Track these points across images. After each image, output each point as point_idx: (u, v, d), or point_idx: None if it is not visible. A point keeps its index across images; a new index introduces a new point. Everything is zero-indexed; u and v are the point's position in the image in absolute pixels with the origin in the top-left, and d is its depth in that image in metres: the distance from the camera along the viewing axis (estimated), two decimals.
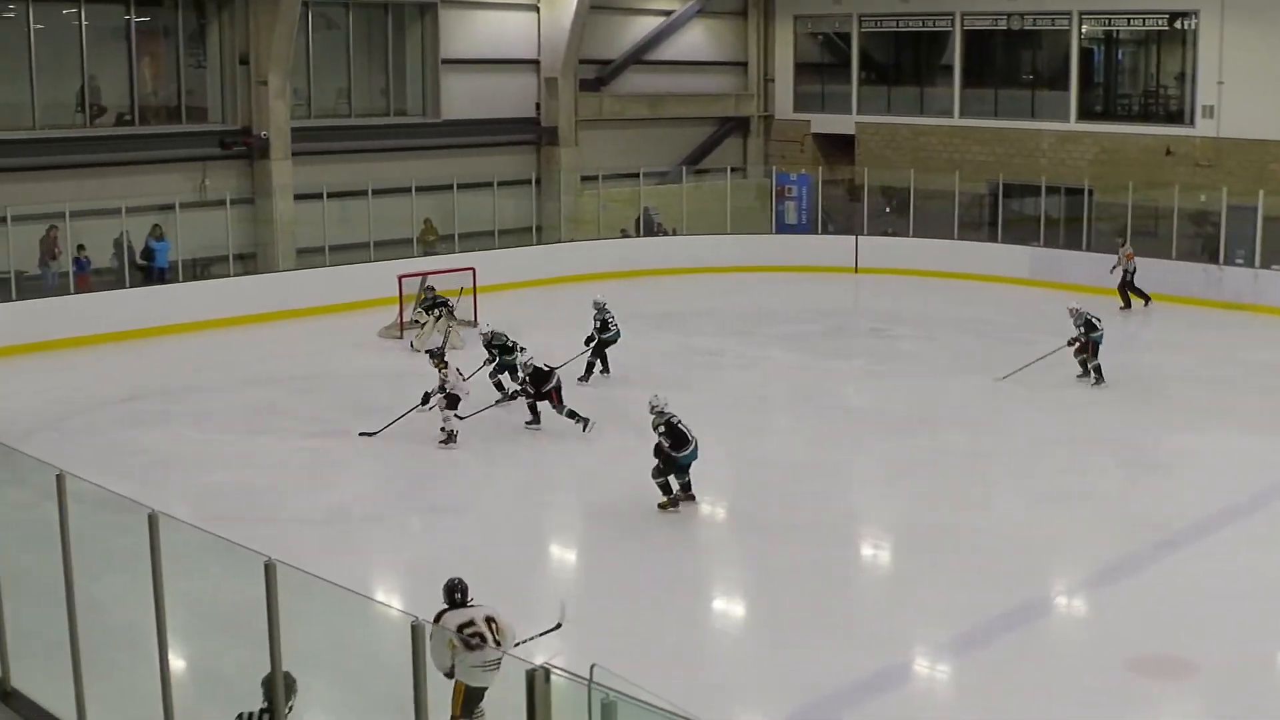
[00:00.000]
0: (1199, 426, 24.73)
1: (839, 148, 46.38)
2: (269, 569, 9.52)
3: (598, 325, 27.87)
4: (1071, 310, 27.54)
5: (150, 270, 33.75)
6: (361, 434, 23.40)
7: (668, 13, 46.09)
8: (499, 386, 25.76)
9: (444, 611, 12.54)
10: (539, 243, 40.88)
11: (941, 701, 14.52)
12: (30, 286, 31.92)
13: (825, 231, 42.67)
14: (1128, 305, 35.26)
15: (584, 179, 42.62)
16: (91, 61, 34.97)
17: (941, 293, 37.03)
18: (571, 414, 23.70)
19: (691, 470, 19.82)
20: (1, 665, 12.69)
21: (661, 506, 19.60)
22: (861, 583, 18.01)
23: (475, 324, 31.83)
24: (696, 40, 47.21)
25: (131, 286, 32.96)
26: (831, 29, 47.22)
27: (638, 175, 42.53)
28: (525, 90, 43.00)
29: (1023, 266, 38.13)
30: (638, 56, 45.60)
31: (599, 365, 27.94)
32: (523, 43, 42.69)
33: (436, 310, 30.57)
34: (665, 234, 42.62)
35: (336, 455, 22.84)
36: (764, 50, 48.17)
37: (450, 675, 12.07)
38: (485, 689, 12.20)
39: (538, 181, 41.85)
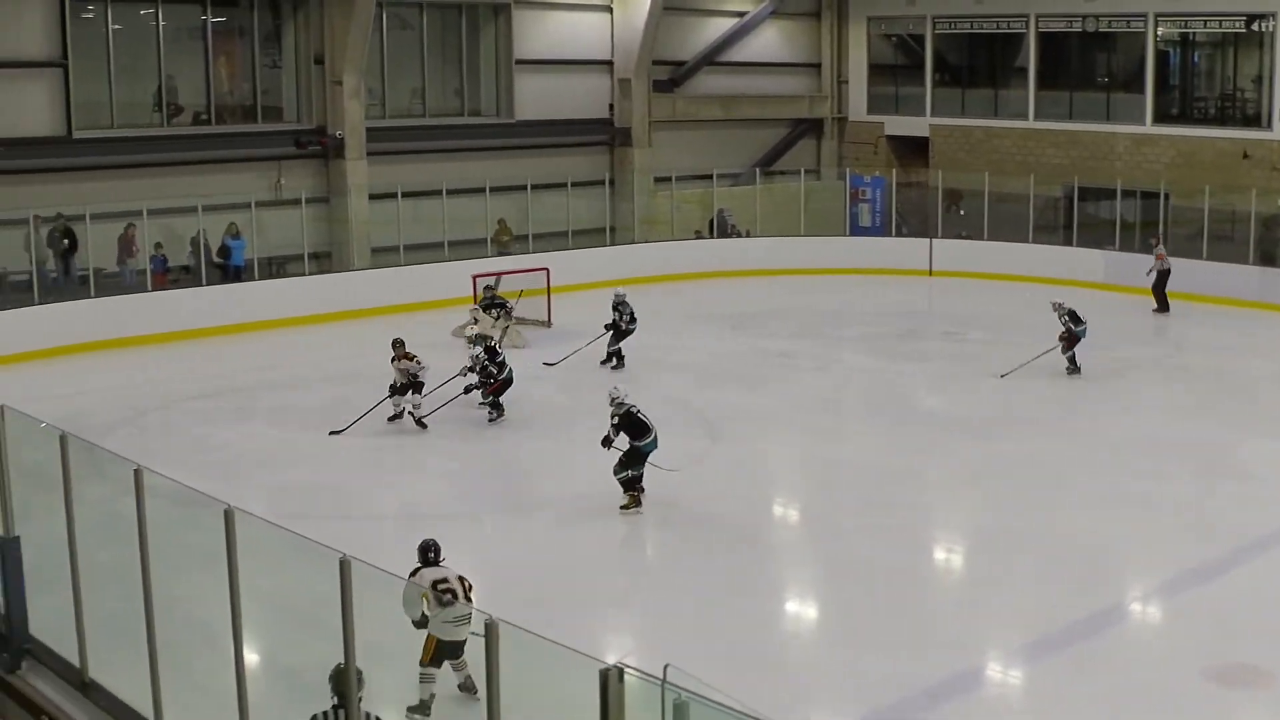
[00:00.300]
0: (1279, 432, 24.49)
1: (913, 150, 46.17)
2: (344, 565, 9.55)
3: (623, 318, 28.66)
4: (1055, 305, 27.64)
5: (226, 268, 33.97)
6: (331, 433, 23.45)
7: (741, 14, 46.01)
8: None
9: (418, 569, 13.35)
10: (612, 244, 40.91)
11: (1014, 707, 14.41)
12: (108, 284, 32.19)
13: (899, 234, 42.52)
14: (1161, 308, 35.06)
15: (657, 180, 42.60)
16: (169, 61, 35.25)
17: (1015, 296, 36.79)
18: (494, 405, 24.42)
19: (765, 471, 19.76)
20: (80, 658, 12.78)
21: (624, 508, 19.51)
22: (934, 586, 17.90)
23: (549, 324, 31.96)
24: (770, 41, 47.11)
25: (208, 284, 33.19)
26: (905, 30, 47.01)
27: (711, 177, 42.46)
28: (599, 91, 43.02)
29: (1097, 270, 37.83)
30: (711, 58, 45.52)
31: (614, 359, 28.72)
32: (596, 43, 42.72)
33: (494, 311, 30.61)
34: (739, 235, 42.56)
35: (410, 453, 22.93)
36: (838, 52, 48.02)
37: (421, 627, 12.87)
38: (454, 642, 12.88)
39: (611, 182, 41.89)
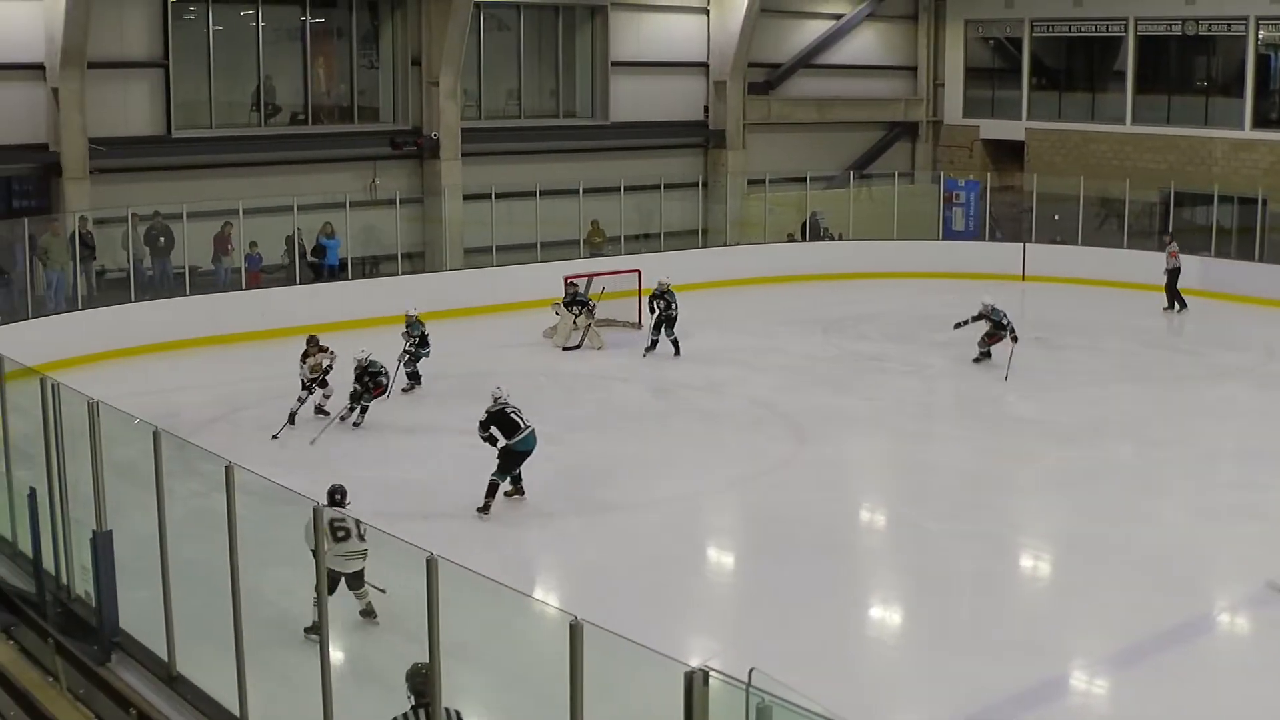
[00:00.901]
0: None
1: (1008, 154, 45.87)
2: (430, 564, 9.61)
3: (666, 305, 29.37)
4: (986, 306, 28.28)
5: (320, 267, 34.23)
6: (274, 436, 23.56)
7: (837, 16, 45.87)
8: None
9: (323, 506, 13.53)
10: (705, 246, 40.90)
11: (1098, 717, 14.31)
12: (204, 281, 32.49)
13: (993, 238, 42.27)
14: (1170, 306, 35.50)
15: (751, 182, 42.58)
16: (267, 62, 35.58)
17: (1109, 301, 36.49)
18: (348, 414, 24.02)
19: (852, 475, 19.66)
20: (168, 651, 12.92)
21: (480, 510, 19.38)
22: (1021, 593, 17.79)
23: (639, 325, 31.98)
24: (866, 44, 46.95)
25: (302, 283, 33.45)
26: (1002, 33, 46.71)
27: (804, 179, 42.39)
28: (693, 93, 43.03)
29: (1193, 276, 37.39)
30: (806, 60, 45.42)
31: (673, 349, 29.47)
32: (692, 45, 42.73)
33: (576, 308, 30.66)
34: (831, 239, 42.46)
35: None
36: (934, 55, 47.79)
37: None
38: (347, 574, 14.70)
39: (704, 184, 41.88)
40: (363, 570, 14.85)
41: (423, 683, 10.16)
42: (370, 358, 23.89)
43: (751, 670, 8.04)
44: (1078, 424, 24.87)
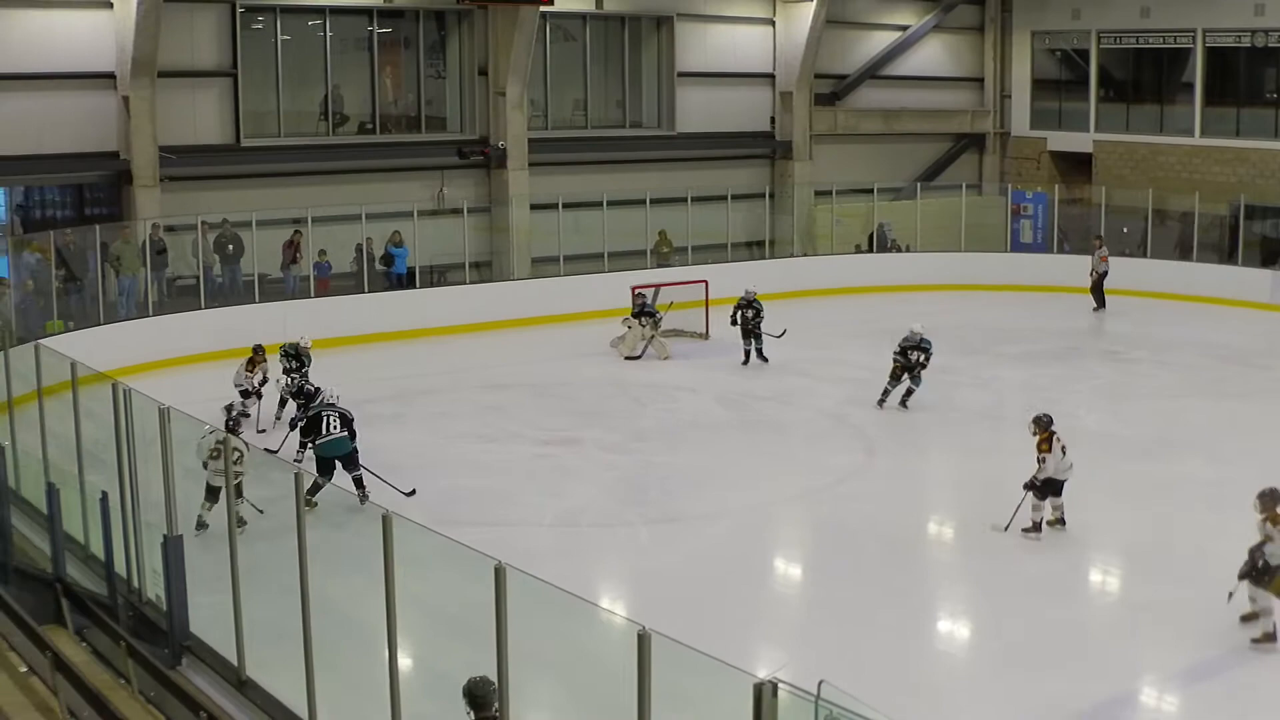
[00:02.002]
0: None
1: (1076, 166, 45.59)
2: (499, 572, 9.61)
3: (755, 314, 29.61)
4: (913, 332, 26.75)
5: (389, 275, 34.36)
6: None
7: (904, 27, 45.73)
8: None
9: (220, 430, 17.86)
10: (771, 257, 40.84)
11: None
12: (272, 289, 32.68)
13: (1061, 250, 41.98)
14: (1101, 306, 36.60)
15: (817, 193, 42.49)
16: (335, 71, 35.77)
17: (1179, 315, 36.21)
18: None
19: (921, 487, 19.52)
20: (238, 655, 12.98)
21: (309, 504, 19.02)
22: (1091, 607, 17.65)
23: (706, 336, 31.98)
24: (933, 55, 46.78)
25: (370, 291, 33.58)
26: (1070, 45, 46.42)
27: (871, 191, 42.27)
28: (760, 104, 43.00)
29: (1263, 290, 37.09)
30: (873, 71, 45.30)
31: (754, 353, 29.69)
32: (758, 56, 42.70)
33: (644, 319, 30.64)
34: (898, 250, 42.32)
35: (567, 462, 23.03)
36: (1001, 66, 47.55)
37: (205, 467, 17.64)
38: (217, 489, 17.08)
39: (771, 195, 41.81)
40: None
41: (481, 694, 10.13)
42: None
43: (821, 682, 8.01)
44: (1147, 438, 24.67)
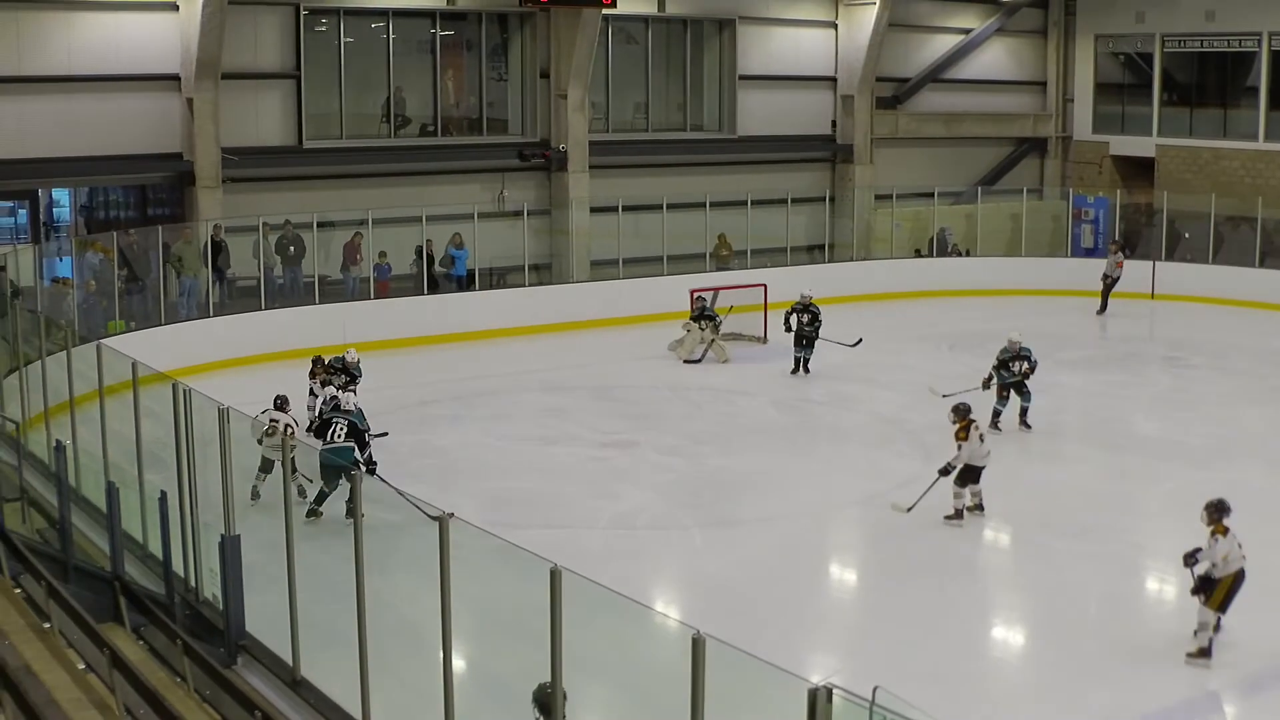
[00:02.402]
0: None
1: (1138, 170, 45.33)
2: (554, 575, 9.62)
3: (812, 319, 29.25)
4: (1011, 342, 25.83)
5: (449, 277, 34.47)
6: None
7: (966, 31, 45.59)
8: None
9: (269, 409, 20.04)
10: (831, 260, 40.77)
11: None
12: (333, 290, 32.83)
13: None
14: (1103, 309, 36.95)
15: (878, 197, 42.39)
16: (397, 74, 35.93)
17: (1241, 321, 35.95)
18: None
19: (985, 494, 19.45)
20: (293, 655, 13.04)
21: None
22: (1148, 616, 17.54)
23: (764, 340, 31.94)
24: (995, 59, 46.62)
25: (430, 293, 33.69)
26: (1133, 48, 46.16)
27: (932, 195, 42.14)
28: (821, 107, 42.94)
29: None
30: (935, 75, 45.18)
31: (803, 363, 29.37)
32: (820, 60, 42.65)
33: (702, 321, 30.62)
34: (959, 254, 42.17)
35: (623, 465, 23.05)
36: (1063, 70, 47.33)
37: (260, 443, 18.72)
38: (272, 461, 18.48)
39: (831, 199, 41.73)
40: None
41: (549, 701, 10.15)
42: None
43: (876, 688, 8.00)
44: (1206, 445, 24.51)
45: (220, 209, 32.07)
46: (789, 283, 34.38)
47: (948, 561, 18.67)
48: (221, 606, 14.00)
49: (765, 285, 33.02)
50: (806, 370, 29.38)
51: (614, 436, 24.59)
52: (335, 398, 21.99)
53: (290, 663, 13.09)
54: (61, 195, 34.05)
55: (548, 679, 9.91)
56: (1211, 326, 35.46)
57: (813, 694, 7.86)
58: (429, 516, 17.35)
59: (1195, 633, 15.28)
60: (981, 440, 19.73)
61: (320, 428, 19.94)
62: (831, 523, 20.99)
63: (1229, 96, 44.49)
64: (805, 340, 29.44)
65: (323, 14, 34.53)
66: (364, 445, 19.73)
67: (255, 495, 18.48)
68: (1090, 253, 42.39)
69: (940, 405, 26.28)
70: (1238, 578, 15.19)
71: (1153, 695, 14.55)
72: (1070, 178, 46.83)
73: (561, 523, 19.74)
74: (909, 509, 19.37)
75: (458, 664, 11.42)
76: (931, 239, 42.27)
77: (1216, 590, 15.14)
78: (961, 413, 19.79)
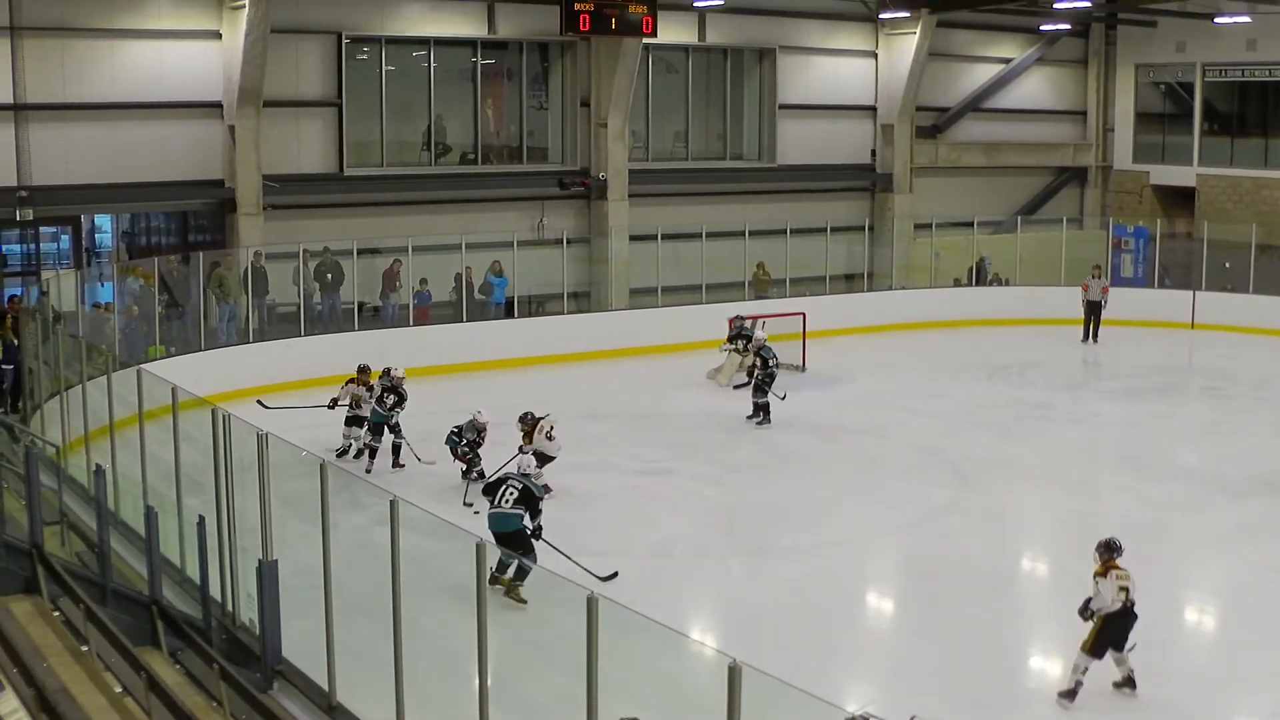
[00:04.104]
0: None
1: (1178, 200, 45.22)
2: (591, 603, 9.64)
3: (764, 363, 27.81)
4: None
5: (488, 305, 34.54)
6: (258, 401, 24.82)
7: (1006, 60, 45.56)
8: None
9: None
10: (870, 289, 40.72)
11: None
12: (371, 317, 32.93)
13: (1162, 285, 41.57)
14: (1091, 338, 36.88)
15: (917, 226, 42.34)
16: (438, 102, 36.09)
17: None
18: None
19: (1015, 522, 19.35)
20: (329, 681, 13.07)
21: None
22: (1184, 647, 17.45)
23: (803, 369, 31.90)
24: (1035, 88, 46.58)
25: (469, 320, 33.76)
26: (1174, 78, 46.07)
27: (972, 224, 42.06)
28: (861, 136, 42.96)
29: None
30: (975, 104, 45.16)
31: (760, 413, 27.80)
32: (860, 89, 42.69)
33: (740, 341, 30.56)
34: (999, 283, 42.07)
35: (662, 493, 23.05)
36: (1104, 99, 47.27)
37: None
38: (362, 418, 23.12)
39: (871, 228, 41.70)
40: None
41: None
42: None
43: (912, 717, 8.00)
44: (1247, 476, 24.32)
45: (261, 235, 32.22)
46: (828, 311, 34.45)
47: (984, 591, 18.60)
48: (258, 631, 14.03)
49: (804, 314, 33.00)
50: (764, 420, 27.63)
51: (651, 464, 24.58)
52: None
53: (326, 688, 13.12)
54: (104, 221, 34.24)
55: (583, 706, 9.92)
56: (1252, 357, 35.26)
57: None
58: (599, 579, 17.41)
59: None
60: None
61: (491, 487, 18.51)
62: (868, 552, 20.93)
63: (1270, 125, 44.32)
64: (759, 389, 27.74)
65: (364, 42, 34.72)
66: (536, 512, 18.13)
67: (343, 453, 22.61)
68: (1130, 282, 42.22)
69: (975, 436, 26.32)
70: (1117, 618, 14.80)
71: None
72: (1110, 207, 46.75)
73: (599, 550, 19.70)
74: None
75: (493, 691, 11.42)
76: (971, 268, 42.19)
77: (1089, 633, 14.86)
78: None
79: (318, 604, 13.17)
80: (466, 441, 22.61)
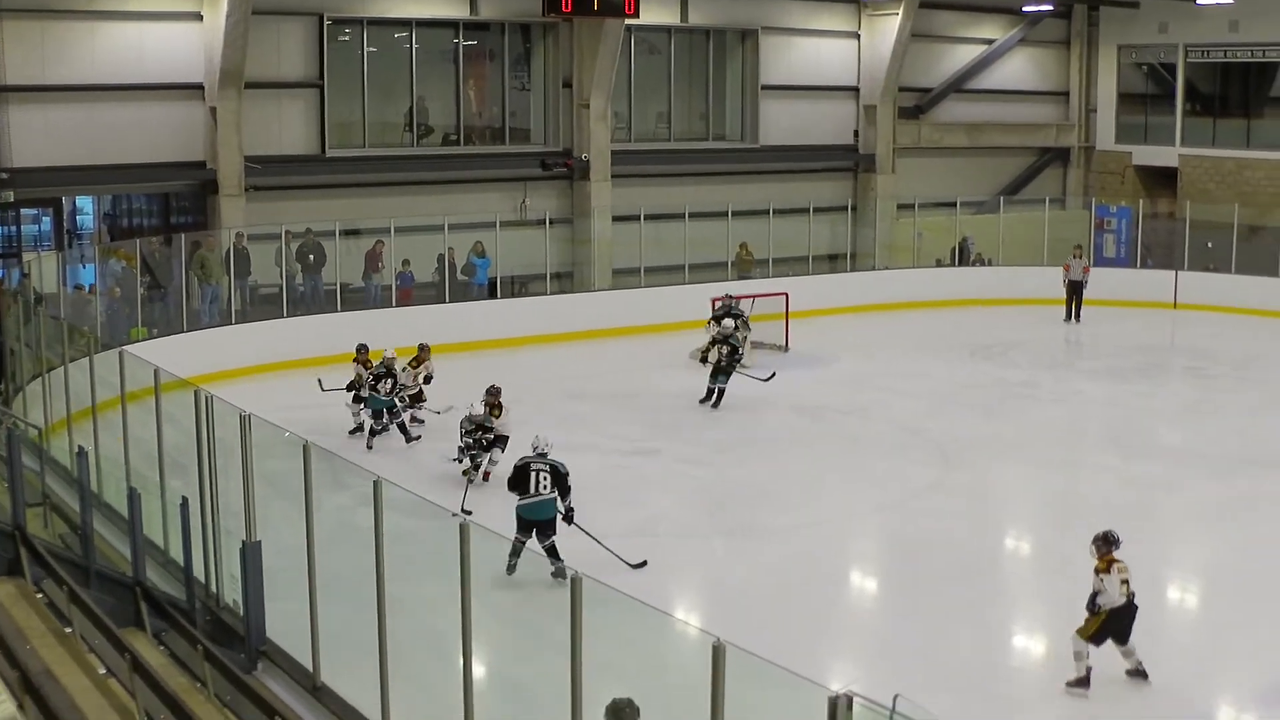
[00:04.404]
0: None
1: (1161, 180, 45.24)
2: (574, 582, 9.65)
3: (726, 353, 27.69)
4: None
5: (471, 286, 34.50)
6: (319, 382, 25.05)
7: (989, 41, 45.54)
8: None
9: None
10: (853, 270, 40.71)
11: None
12: (354, 298, 32.89)
13: (1144, 265, 41.60)
14: (1073, 318, 37.00)
15: (900, 207, 42.33)
16: (420, 83, 36.00)
17: (1264, 332, 35.82)
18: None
19: (997, 501, 19.32)
20: (313, 661, 13.07)
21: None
22: (1167, 627, 17.47)
23: (786, 348, 31.91)
24: (1018, 69, 46.55)
25: (451, 301, 33.73)
26: (1156, 59, 46.03)
27: (955, 204, 42.08)
28: (843, 117, 42.92)
29: None
30: (958, 85, 45.12)
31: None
32: (842, 69, 42.63)
33: (733, 320, 30.43)
34: (981, 264, 42.10)
35: (646, 473, 23.08)
36: (1086, 80, 47.24)
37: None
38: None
39: (853, 208, 41.70)
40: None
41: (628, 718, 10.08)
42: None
43: (896, 696, 8.01)
44: (1229, 456, 24.41)
45: (243, 217, 32.12)
46: (810, 292, 34.47)
47: (968, 570, 18.64)
48: (242, 612, 14.03)
49: (786, 294, 33.01)
50: (717, 403, 27.46)
51: (634, 444, 24.60)
52: (485, 431, 21.91)
53: (310, 669, 13.12)
54: (85, 203, 34.13)
55: (568, 685, 9.93)
56: (1234, 336, 35.35)
57: (833, 702, 7.87)
58: (630, 566, 17.43)
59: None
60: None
61: (518, 477, 18.03)
62: (852, 531, 20.97)
63: (1252, 106, 44.34)
64: (722, 373, 27.59)
65: (346, 24, 34.61)
66: (566, 492, 18.00)
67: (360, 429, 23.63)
68: (1112, 262, 42.25)
69: (957, 416, 26.37)
70: (1121, 611, 14.69)
71: (1175, 707, 14.50)
72: (1093, 188, 46.75)
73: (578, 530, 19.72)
74: None
75: (477, 670, 11.44)
76: (954, 249, 42.22)
77: (1090, 622, 14.74)
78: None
79: (302, 585, 13.17)
80: (464, 433, 21.76)
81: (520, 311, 34.16)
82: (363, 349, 25.33)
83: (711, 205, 37.79)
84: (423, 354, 25.56)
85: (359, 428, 24.71)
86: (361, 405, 24.69)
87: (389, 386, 24.08)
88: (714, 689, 8.61)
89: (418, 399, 25.14)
